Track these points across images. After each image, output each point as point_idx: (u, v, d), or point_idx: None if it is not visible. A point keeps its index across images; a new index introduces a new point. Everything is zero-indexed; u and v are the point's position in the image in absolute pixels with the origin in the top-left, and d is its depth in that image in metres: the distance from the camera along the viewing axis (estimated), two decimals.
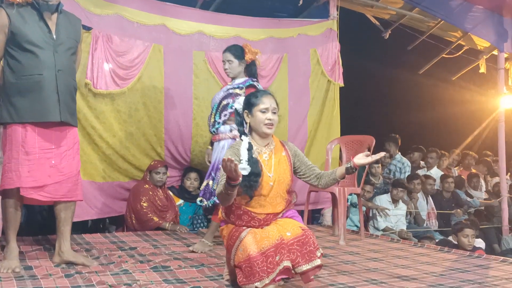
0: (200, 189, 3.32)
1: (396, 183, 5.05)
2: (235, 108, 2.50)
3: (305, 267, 2.15)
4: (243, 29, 4.51)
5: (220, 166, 3.17)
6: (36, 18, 2.54)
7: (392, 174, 5.78)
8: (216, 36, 4.38)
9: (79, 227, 4.11)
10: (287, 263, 2.13)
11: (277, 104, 2.38)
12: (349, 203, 4.85)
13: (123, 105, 4.04)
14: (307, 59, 4.88)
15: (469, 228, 4.00)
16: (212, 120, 3.36)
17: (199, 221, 4.39)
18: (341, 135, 4.97)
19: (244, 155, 2.23)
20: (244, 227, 2.28)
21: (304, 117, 4.86)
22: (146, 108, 4.15)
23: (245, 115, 2.40)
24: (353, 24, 5.29)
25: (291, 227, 2.24)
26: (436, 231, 5.26)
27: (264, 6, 4.97)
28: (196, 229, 4.28)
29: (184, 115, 4.28)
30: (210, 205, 3.22)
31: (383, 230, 4.83)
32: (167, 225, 3.99)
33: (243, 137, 2.37)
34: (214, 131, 3.34)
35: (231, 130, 3.26)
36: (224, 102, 3.30)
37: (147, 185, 4.07)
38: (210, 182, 3.25)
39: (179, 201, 4.36)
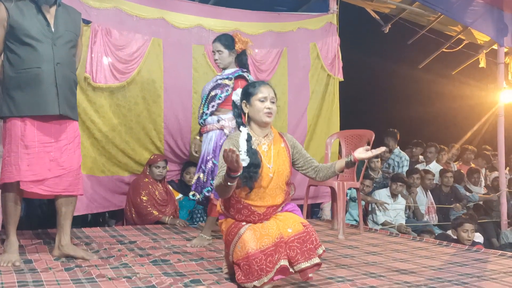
0: (192, 183, 3.29)
1: (395, 177, 5.06)
2: (233, 100, 2.46)
3: (303, 265, 2.14)
4: (242, 23, 4.50)
5: (209, 158, 3.16)
6: (34, 11, 2.53)
7: (391, 168, 5.79)
8: (216, 29, 4.36)
9: (79, 221, 4.12)
10: (284, 262, 2.11)
11: (275, 94, 2.36)
12: (348, 197, 4.86)
13: (123, 99, 4.04)
14: (306, 53, 4.87)
15: (469, 223, 4.01)
16: (201, 111, 3.31)
17: (199, 215, 4.39)
18: (340, 129, 4.98)
19: (243, 146, 2.20)
20: (243, 223, 2.26)
21: (303, 111, 4.86)
22: (146, 102, 4.15)
23: (243, 105, 2.37)
24: (353, 18, 5.27)
25: (292, 223, 2.22)
26: (435, 225, 5.28)
27: (263, 0, 4.95)
28: (195, 223, 4.29)
29: (184, 109, 4.28)
30: (202, 198, 3.19)
31: (382, 224, 4.84)
32: (166, 219, 4.00)
33: (241, 127, 2.35)
34: (201, 123, 3.30)
35: (218, 121, 3.21)
36: (212, 93, 3.24)
37: (146, 179, 4.08)
38: (201, 175, 3.20)
39: (179, 195, 4.37)
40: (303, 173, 2.48)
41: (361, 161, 4.50)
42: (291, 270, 2.14)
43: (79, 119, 2.94)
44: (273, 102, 2.34)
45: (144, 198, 3.98)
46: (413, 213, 5.36)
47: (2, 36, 2.52)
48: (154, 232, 3.58)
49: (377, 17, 5.63)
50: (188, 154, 4.40)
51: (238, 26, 4.46)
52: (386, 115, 7.54)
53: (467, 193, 5.93)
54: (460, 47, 6.16)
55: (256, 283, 2.12)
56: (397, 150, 5.87)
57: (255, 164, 2.20)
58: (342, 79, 5.08)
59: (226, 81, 3.23)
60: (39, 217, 5.07)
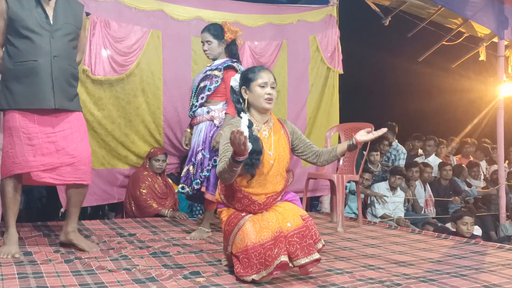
0: (181, 175, 3.23)
1: (394, 170, 5.07)
2: (231, 86, 2.42)
3: (303, 261, 2.12)
4: (241, 15, 4.47)
5: (199, 149, 3.12)
6: (33, 3, 2.51)
7: (390, 162, 5.79)
8: (215, 21, 4.33)
9: (79, 214, 4.12)
10: (284, 258, 2.09)
11: (275, 79, 2.33)
12: (347, 190, 4.87)
13: (122, 91, 4.03)
14: (306, 46, 4.85)
15: (468, 216, 4.02)
16: (191, 103, 3.27)
17: (198, 208, 4.41)
18: (340, 122, 4.97)
19: (245, 132, 2.13)
20: (243, 213, 2.26)
21: (303, 104, 4.85)
22: (145, 94, 4.14)
23: (242, 91, 2.33)
24: (353, 10, 5.23)
25: (291, 217, 2.20)
26: (433, 218, 5.30)
27: None
28: (195, 215, 4.30)
29: (183, 101, 4.27)
30: (191, 191, 3.13)
31: (381, 217, 4.86)
32: (166, 211, 4.00)
33: (242, 114, 2.30)
34: (191, 115, 3.27)
35: (208, 112, 3.17)
36: (202, 85, 3.19)
37: (146, 172, 4.08)
38: (191, 168, 3.16)
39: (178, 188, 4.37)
40: (304, 158, 2.45)
41: (360, 155, 4.57)
42: (290, 265, 2.13)
43: None
44: (273, 88, 2.30)
45: (144, 191, 3.99)
46: (412, 206, 5.37)
47: (2, 28, 2.51)
48: (153, 225, 3.59)
49: (377, 9, 5.60)
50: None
51: (237, 18, 4.43)
52: (386, 108, 7.54)
53: (467, 188, 5.94)
54: (460, 40, 6.13)
55: (254, 276, 2.12)
56: (395, 143, 5.88)
57: (257, 151, 2.16)
58: (341, 72, 5.07)
59: (216, 72, 3.17)
60: (39, 210, 5.08)
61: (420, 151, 6.36)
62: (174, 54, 4.24)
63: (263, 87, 2.28)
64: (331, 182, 3.99)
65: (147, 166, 4.11)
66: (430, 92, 8.38)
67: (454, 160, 6.73)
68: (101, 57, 3.87)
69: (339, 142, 4.42)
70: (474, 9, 5.34)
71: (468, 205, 5.42)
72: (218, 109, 3.17)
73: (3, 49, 2.57)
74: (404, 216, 4.98)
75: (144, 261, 2.48)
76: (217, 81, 3.16)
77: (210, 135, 3.14)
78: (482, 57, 6.10)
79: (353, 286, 2.15)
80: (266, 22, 4.62)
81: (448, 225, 4.56)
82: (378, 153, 5.49)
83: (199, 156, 3.13)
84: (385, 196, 4.92)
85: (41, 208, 4.75)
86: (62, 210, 4.42)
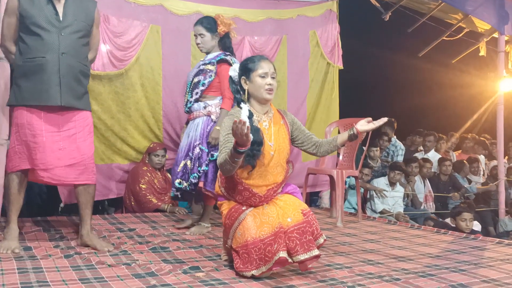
0: (178, 170, 3.15)
1: (393, 165, 5.07)
2: (230, 76, 2.39)
3: (302, 257, 2.12)
4: (241, 10, 4.45)
5: (196, 144, 3.09)
6: (44, 0, 2.51)
7: (390, 157, 5.80)
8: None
9: (78, 209, 4.12)
10: (283, 254, 2.08)
11: (275, 69, 2.30)
12: (347, 185, 4.88)
13: (121, 86, 4.02)
14: (306, 41, 4.84)
15: (467, 212, 4.03)
16: (185, 98, 3.23)
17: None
18: (339, 117, 4.97)
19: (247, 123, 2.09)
20: (244, 207, 2.24)
21: (303, 99, 4.84)
22: (144, 89, 4.13)
23: (242, 81, 2.30)
24: (353, 5, 5.21)
25: (292, 212, 2.19)
26: (433, 213, 5.30)
27: None
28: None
29: (183, 97, 4.22)
30: (189, 185, 3.09)
31: (381, 212, 4.87)
32: (165, 207, 4.01)
33: (242, 104, 2.27)
34: (187, 111, 3.24)
35: (205, 107, 3.14)
36: (195, 80, 3.16)
37: (145, 167, 4.08)
38: (188, 163, 3.11)
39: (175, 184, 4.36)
40: (303, 149, 2.43)
41: (360, 150, 4.57)
42: (290, 260, 2.13)
43: None
44: (273, 78, 2.27)
45: (143, 186, 3.99)
46: (411, 201, 5.38)
47: (14, 24, 2.53)
48: (153, 220, 3.59)
49: (377, 4, 5.57)
50: None
51: (237, 13, 4.42)
52: (386, 103, 7.53)
53: (467, 184, 5.94)
54: (460, 35, 6.12)
55: (254, 272, 2.12)
56: (393, 139, 5.89)
57: (258, 142, 2.14)
58: (341, 67, 5.06)
59: (209, 67, 3.13)
60: (39, 205, 5.08)
61: (420, 146, 6.37)
62: (173, 49, 4.22)
63: (263, 77, 2.25)
64: (331, 177, 4.00)
65: (147, 161, 4.10)
66: (430, 87, 8.38)
67: (454, 155, 6.74)
68: (100, 52, 3.84)
69: None
70: (474, 4, 5.32)
71: (467, 201, 5.43)
72: (214, 104, 3.14)
73: (16, 46, 2.58)
74: (404, 211, 4.98)
75: (144, 256, 2.48)
76: (211, 75, 3.12)
77: (207, 129, 3.12)
78: (482, 52, 6.08)
79: (352, 281, 2.15)
80: (266, 17, 4.60)
81: (448, 220, 4.57)
82: (378, 148, 5.50)
83: (197, 150, 3.10)
84: (384, 190, 4.93)
85: (41, 203, 4.75)
86: (62, 205, 4.43)
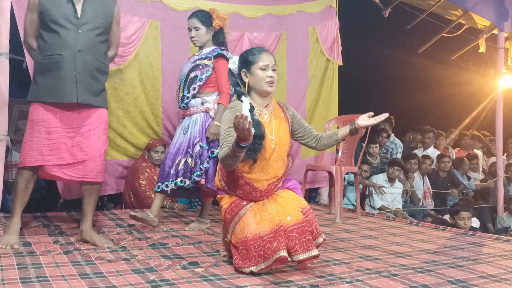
0: (179, 168, 3.09)
1: (392, 162, 5.08)
2: (229, 68, 2.36)
3: (301, 256, 2.11)
4: (241, 6, 4.44)
5: (196, 141, 3.05)
6: None
7: (389, 154, 5.80)
8: None
9: (77, 205, 4.13)
10: (283, 253, 2.07)
11: (275, 61, 2.28)
12: (346, 182, 4.88)
13: (120, 82, 4.02)
14: (306, 37, 4.83)
15: (465, 210, 4.03)
16: (181, 94, 3.16)
17: (197, 199, 4.41)
18: (339, 114, 4.97)
19: (249, 117, 2.01)
20: (244, 202, 2.23)
21: (302, 95, 4.84)
22: (143, 85, 4.13)
23: (242, 74, 2.28)
24: (353, 1, 5.21)
25: (292, 210, 2.17)
26: (431, 210, 5.32)
27: None
28: (194, 207, 4.31)
29: None
30: (192, 183, 3.06)
31: (379, 209, 4.88)
32: (165, 203, 4.01)
33: (243, 97, 2.25)
34: (183, 106, 3.16)
35: (202, 103, 3.11)
36: (192, 75, 3.12)
37: (145, 163, 4.08)
38: (189, 160, 3.06)
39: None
40: (303, 143, 2.43)
41: (359, 147, 4.57)
42: (289, 259, 2.13)
43: None
44: (274, 70, 2.25)
45: (143, 182, 3.99)
46: (410, 198, 5.39)
47: (35, 20, 2.55)
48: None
49: (377, 0, 5.56)
50: None
51: (236, 8, 4.41)
52: (385, 100, 7.53)
53: (466, 181, 5.95)
54: (460, 31, 6.11)
55: (253, 268, 2.12)
56: (391, 136, 5.89)
57: (259, 136, 2.11)
58: (341, 63, 5.06)
59: (205, 61, 3.10)
60: (38, 201, 5.08)
61: (419, 143, 6.37)
62: (173, 45, 4.21)
63: (264, 69, 2.23)
64: (330, 173, 4.00)
65: (146, 158, 4.11)
66: (429, 84, 8.37)
67: (453, 152, 6.74)
68: None
69: None
70: (474, 1, 5.32)
71: (465, 198, 5.43)
72: (212, 100, 3.12)
73: (36, 42, 2.59)
74: (402, 207, 5.00)
75: (143, 252, 2.49)
76: (208, 70, 3.09)
77: (206, 126, 3.09)
78: (482, 49, 6.08)
79: (351, 277, 2.16)
80: (266, 12, 4.59)
81: (446, 217, 4.58)
82: (377, 145, 5.50)
83: (197, 148, 3.07)
84: (383, 186, 4.94)
85: (40, 199, 4.75)
86: (61, 201, 4.44)
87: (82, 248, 2.49)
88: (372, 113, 2.34)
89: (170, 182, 3.08)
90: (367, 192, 5.10)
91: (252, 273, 2.14)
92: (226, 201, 2.29)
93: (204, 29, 3.10)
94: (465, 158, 6.12)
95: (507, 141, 6.82)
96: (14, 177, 2.66)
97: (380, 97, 7.68)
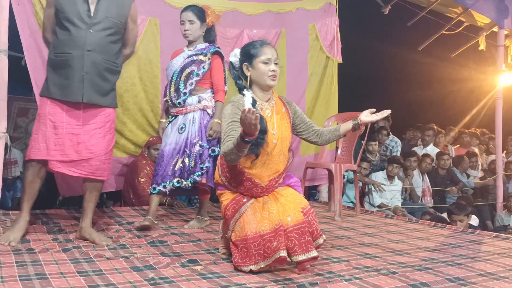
0: (176, 169, 3.02)
1: (391, 159, 5.08)
2: (230, 61, 2.32)
3: (300, 257, 2.09)
4: (240, 3, 4.43)
5: (195, 141, 3.01)
6: None
7: (388, 151, 5.81)
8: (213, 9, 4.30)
9: (76, 202, 4.13)
10: (283, 253, 2.05)
11: (277, 54, 2.25)
12: (345, 179, 4.88)
13: (119, 79, 3.95)
14: (305, 34, 4.82)
15: (457, 214, 4.03)
16: (173, 89, 3.06)
17: (196, 196, 4.41)
18: (338, 111, 4.97)
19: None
20: (244, 199, 2.22)
21: (302, 93, 4.84)
22: (143, 82, 4.12)
23: (244, 68, 2.25)
24: None
25: (292, 210, 2.15)
26: (430, 208, 5.32)
27: None
28: (193, 204, 4.31)
29: None
30: (190, 184, 3.00)
31: (379, 206, 4.88)
32: (164, 200, 4.01)
33: (245, 91, 2.21)
34: (180, 103, 3.06)
35: (199, 101, 3.06)
36: (188, 70, 3.05)
37: (145, 161, 4.08)
38: (186, 160, 3.00)
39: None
40: (304, 138, 2.41)
41: (359, 144, 4.57)
42: (288, 259, 2.11)
43: None
44: (276, 64, 2.23)
45: (142, 179, 3.99)
46: (409, 195, 5.40)
47: (52, 16, 2.56)
48: None
49: None
50: None
51: (236, 6, 4.40)
52: (385, 97, 7.52)
53: (466, 179, 5.95)
54: (460, 29, 6.10)
55: (253, 267, 2.12)
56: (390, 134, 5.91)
57: (262, 130, 2.06)
58: (341, 61, 5.05)
59: (201, 57, 3.05)
60: (37, 198, 5.05)
61: (419, 141, 6.38)
62: (172, 42, 4.17)
63: (266, 63, 2.20)
64: (329, 171, 4.00)
65: (146, 155, 4.10)
66: (429, 81, 8.36)
67: (453, 150, 6.75)
68: None
69: None
70: None
71: (464, 195, 5.44)
72: (208, 98, 3.08)
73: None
74: (401, 205, 5.00)
75: (142, 250, 2.49)
76: (204, 66, 3.05)
77: (205, 124, 3.06)
78: (482, 46, 6.07)
79: (350, 274, 2.16)
80: (265, 10, 4.58)
81: (445, 215, 4.58)
82: (377, 142, 5.50)
83: (197, 147, 3.02)
84: (383, 184, 4.94)
85: (39, 196, 4.75)
86: (60, 198, 4.44)
87: (81, 246, 2.49)
88: (374, 109, 2.33)
89: (167, 183, 3.01)
90: (366, 190, 5.10)
91: (251, 272, 2.14)
92: (226, 197, 2.27)
93: (199, 23, 3.05)
94: (465, 156, 6.12)
95: (506, 138, 6.82)
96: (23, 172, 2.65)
97: (380, 94, 7.67)
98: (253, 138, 1.94)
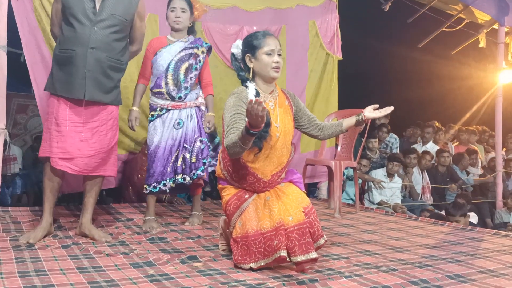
0: (178, 165, 2.98)
1: (392, 157, 5.08)
2: (232, 53, 2.28)
3: (299, 258, 2.07)
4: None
5: (195, 137, 2.99)
6: None
7: (388, 149, 5.80)
8: (213, 6, 4.29)
9: (76, 199, 4.13)
10: (283, 253, 2.04)
11: (280, 45, 2.22)
12: (345, 176, 4.88)
13: None
14: (305, 31, 4.81)
15: (452, 215, 4.03)
16: (171, 82, 2.95)
17: None
18: (338, 108, 4.96)
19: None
20: (246, 195, 2.20)
21: (302, 90, 4.83)
22: None
23: (247, 59, 2.21)
24: None
25: (294, 210, 2.12)
26: (430, 205, 5.32)
27: None
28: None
29: None
30: (194, 179, 2.99)
31: (378, 203, 4.88)
32: (164, 197, 4.01)
33: (248, 83, 2.19)
34: (180, 97, 2.98)
35: (196, 98, 3.04)
36: (187, 64, 3.00)
37: (145, 158, 4.07)
38: (187, 155, 2.98)
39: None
40: (306, 132, 2.39)
41: (359, 141, 4.56)
42: (288, 259, 2.10)
43: None
44: (279, 55, 2.19)
45: (142, 176, 3.99)
46: (409, 192, 5.40)
47: (59, 10, 2.56)
48: None
49: None
50: None
51: (236, 2, 4.39)
52: (385, 95, 7.51)
53: (466, 176, 5.95)
54: (460, 26, 6.09)
55: (252, 265, 2.11)
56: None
57: (265, 123, 2.02)
58: (341, 58, 5.04)
59: (196, 51, 3.02)
60: (37, 194, 5.07)
61: (419, 138, 6.38)
62: None
63: (270, 54, 2.16)
64: (329, 168, 4.00)
65: (146, 152, 4.09)
66: (429, 78, 8.36)
67: (452, 147, 6.75)
68: None
69: None
70: None
71: (463, 193, 5.44)
72: (201, 94, 3.09)
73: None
74: (401, 202, 5.00)
75: (141, 246, 2.48)
76: (200, 61, 3.04)
77: (201, 120, 3.06)
78: (482, 44, 6.07)
79: (350, 271, 2.16)
80: (265, 6, 4.57)
81: (444, 213, 4.58)
82: (377, 140, 5.50)
83: (198, 144, 3.01)
84: (382, 181, 4.94)
85: (39, 193, 4.75)
86: (60, 194, 4.43)
87: (80, 242, 2.49)
88: (377, 105, 2.31)
89: (167, 180, 2.97)
90: (366, 187, 5.10)
91: (251, 269, 2.13)
92: (228, 192, 2.25)
93: (189, 14, 2.99)
94: (465, 154, 6.13)
95: (506, 136, 6.82)
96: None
97: (380, 91, 7.67)
98: (258, 130, 1.90)
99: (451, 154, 6.14)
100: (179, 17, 2.95)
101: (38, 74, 3.50)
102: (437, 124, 6.61)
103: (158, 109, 3.01)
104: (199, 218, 3.17)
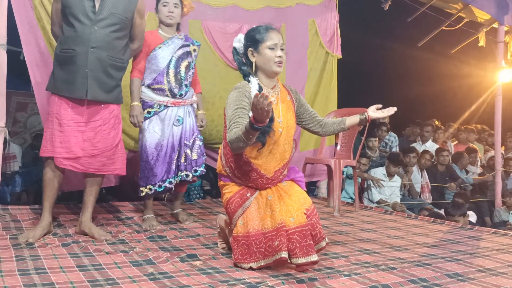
0: (181, 162, 3.00)
1: (392, 159, 5.06)
2: (234, 47, 2.26)
3: (300, 260, 2.07)
4: None
5: (194, 134, 3.01)
6: None
7: (388, 147, 5.81)
8: (213, 4, 4.29)
9: (76, 197, 4.13)
10: (284, 254, 2.04)
11: (283, 39, 2.20)
12: (344, 175, 4.89)
13: None
14: (305, 30, 4.81)
15: (451, 215, 4.03)
16: (172, 78, 2.93)
17: (195, 192, 4.41)
18: (338, 107, 4.96)
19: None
20: (248, 194, 2.19)
21: (301, 88, 4.82)
22: None
23: (249, 53, 2.18)
24: None
25: (296, 211, 2.11)
26: (429, 204, 5.33)
27: None
28: (192, 200, 4.31)
29: None
30: (197, 175, 3.03)
31: (378, 202, 4.89)
32: (163, 195, 4.01)
33: (251, 78, 2.17)
34: (181, 94, 2.97)
35: (192, 95, 3.07)
36: (186, 62, 3.00)
37: None
38: (188, 151, 2.99)
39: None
40: (307, 128, 2.38)
41: (358, 140, 4.57)
42: (289, 261, 2.10)
43: None
44: (282, 49, 2.16)
45: None
46: (408, 191, 5.40)
47: (59, 10, 2.56)
48: None
49: None
50: None
51: (235, 1, 4.38)
52: (384, 93, 7.50)
53: (465, 175, 5.95)
54: (460, 25, 6.08)
55: (253, 264, 2.11)
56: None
57: (269, 118, 1.98)
58: (340, 56, 5.04)
59: (190, 48, 3.03)
60: (36, 192, 5.07)
61: (418, 137, 6.38)
62: None
63: (273, 49, 2.14)
64: (328, 167, 4.00)
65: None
66: (429, 77, 8.36)
67: (452, 146, 6.75)
68: None
69: None
70: None
71: (462, 191, 5.44)
72: (193, 92, 3.13)
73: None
74: (400, 201, 5.00)
75: (141, 245, 2.49)
76: (194, 59, 3.06)
77: (195, 118, 3.10)
78: (482, 42, 6.06)
79: (349, 270, 2.17)
80: (265, 5, 4.56)
81: (443, 211, 4.59)
82: (376, 139, 5.50)
83: (197, 141, 3.04)
84: (382, 180, 4.94)
85: (39, 191, 4.75)
86: (59, 193, 4.43)
87: (80, 240, 2.49)
88: (380, 105, 2.31)
89: (173, 178, 2.99)
90: (365, 186, 5.10)
91: (251, 269, 2.13)
92: (230, 190, 2.23)
93: (180, 10, 2.98)
94: (464, 153, 6.13)
95: (505, 135, 6.82)
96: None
97: (380, 90, 7.67)
98: (263, 125, 1.88)
99: (450, 153, 6.15)
100: (172, 12, 2.93)
101: (38, 72, 3.50)
102: (436, 122, 6.62)
103: (155, 105, 2.96)
104: (187, 215, 3.22)
